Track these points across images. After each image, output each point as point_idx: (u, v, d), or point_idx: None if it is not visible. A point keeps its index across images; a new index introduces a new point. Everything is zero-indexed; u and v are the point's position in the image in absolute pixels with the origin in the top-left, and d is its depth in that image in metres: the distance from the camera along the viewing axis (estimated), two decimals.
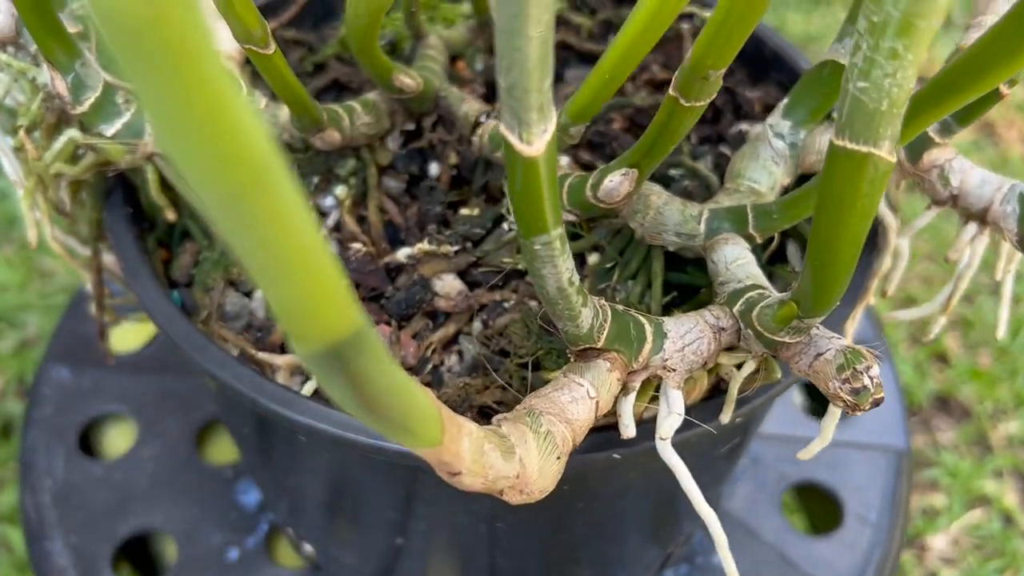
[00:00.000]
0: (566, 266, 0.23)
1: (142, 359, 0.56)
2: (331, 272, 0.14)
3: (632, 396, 0.27)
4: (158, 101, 0.11)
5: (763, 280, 0.28)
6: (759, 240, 0.30)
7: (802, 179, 0.35)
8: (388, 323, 0.33)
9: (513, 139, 0.20)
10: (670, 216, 0.31)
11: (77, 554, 0.47)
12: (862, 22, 0.20)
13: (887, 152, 0.21)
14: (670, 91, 0.25)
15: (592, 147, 0.38)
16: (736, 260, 0.29)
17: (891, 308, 0.83)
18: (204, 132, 0.11)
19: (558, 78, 0.42)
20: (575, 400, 0.25)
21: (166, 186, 0.34)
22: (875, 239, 0.34)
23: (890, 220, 0.33)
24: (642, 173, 0.29)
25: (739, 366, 0.30)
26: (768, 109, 0.42)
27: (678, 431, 0.27)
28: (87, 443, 0.53)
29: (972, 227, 0.32)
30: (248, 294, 0.34)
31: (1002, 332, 0.37)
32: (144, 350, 0.56)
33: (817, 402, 0.59)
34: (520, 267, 0.33)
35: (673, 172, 0.35)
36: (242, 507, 0.50)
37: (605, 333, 0.25)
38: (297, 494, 0.42)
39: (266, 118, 0.34)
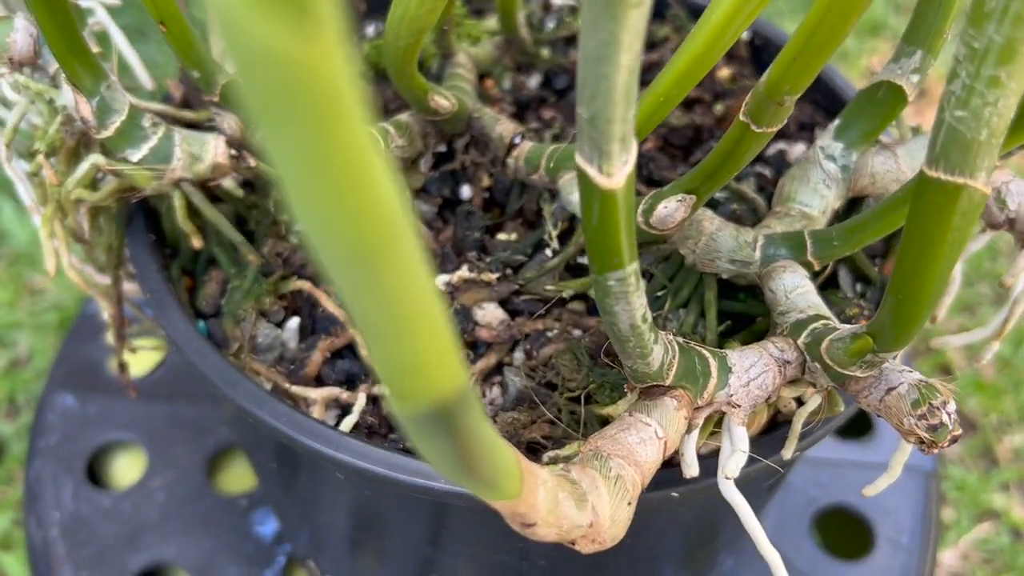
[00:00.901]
0: (640, 302, 0.22)
1: (151, 384, 0.54)
2: (445, 332, 0.13)
3: (695, 434, 0.26)
4: (293, 152, 0.10)
5: (825, 310, 0.27)
6: (816, 267, 0.29)
7: (853, 203, 0.34)
8: None
9: (592, 171, 0.19)
10: (724, 242, 0.30)
11: None
12: (961, 49, 0.19)
13: (983, 184, 0.20)
14: (740, 116, 0.24)
15: (640, 168, 0.37)
16: (796, 289, 0.28)
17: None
18: (341, 189, 0.10)
19: None
20: (643, 441, 0.24)
21: (193, 212, 0.33)
22: None
23: None
24: (700, 199, 0.28)
25: (800, 400, 0.28)
26: (804, 128, 0.41)
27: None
28: (95, 473, 0.51)
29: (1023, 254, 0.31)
30: (280, 324, 0.33)
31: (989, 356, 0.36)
32: (152, 374, 0.55)
33: (846, 425, 0.58)
34: (564, 295, 0.32)
35: (719, 195, 0.34)
36: (259, 538, 0.48)
37: (674, 370, 0.24)
38: (321, 526, 0.40)
39: None
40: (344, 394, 0.31)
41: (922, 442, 0.24)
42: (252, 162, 0.32)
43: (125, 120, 0.30)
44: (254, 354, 0.32)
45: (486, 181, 0.36)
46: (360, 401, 0.31)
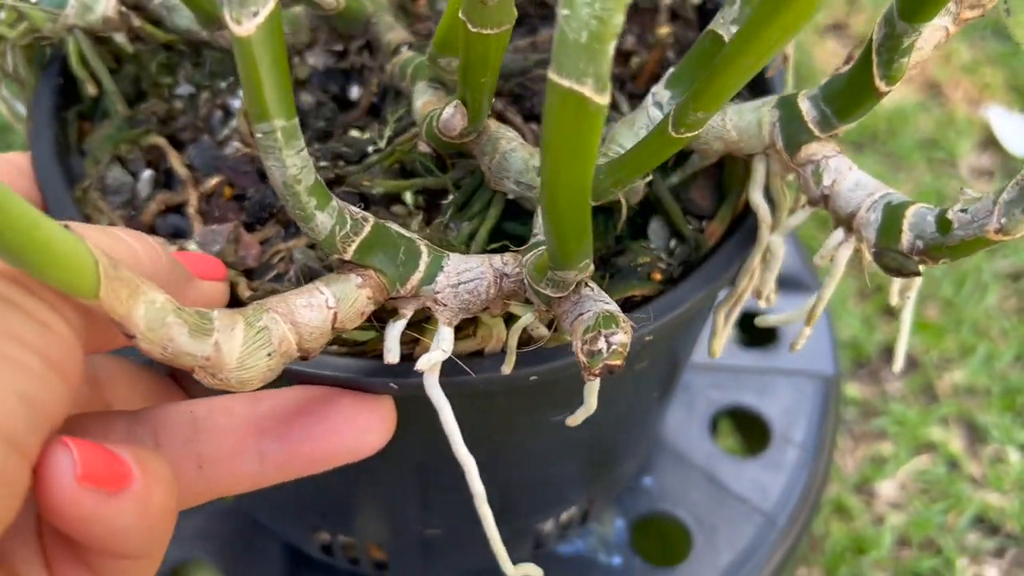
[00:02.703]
0: (293, 162, 0.23)
1: None
2: None
3: (402, 323, 0.27)
4: None
5: None
6: (591, 201, 0.29)
7: (682, 155, 0.33)
8: (245, 225, 0.33)
9: (225, 16, 0.21)
10: (514, 163, 0.30)
11: None
12: None
13: (592, 92, 0.20)
14: (459, 14, 0.25)
15: (514, 98, 0.37)
16: None
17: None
18: None
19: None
20: (310, 306, 0.25)
21: (86, 62, 0.36)
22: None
23: (764, 213, 0.31)
24: (470, 108, 0.28)
25: (551, 325, 0.29)
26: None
27: None
28: None
29: (840, 233, 0.30)
30: (135, 174, 0.35)
31: (899, 367, 0.35)
32: None
33: (748, 334, 0.61)
34: (378, 192, 0.33)
35: None
36: None
37: (354, 246, 0.25)
38: None
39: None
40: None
41: (582, 366, 0.24)
42: (138, 23, 0.35)
43: None
44: (103, 194, 0.35)
45: (376, 86, 0.38)
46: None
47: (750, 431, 0.56)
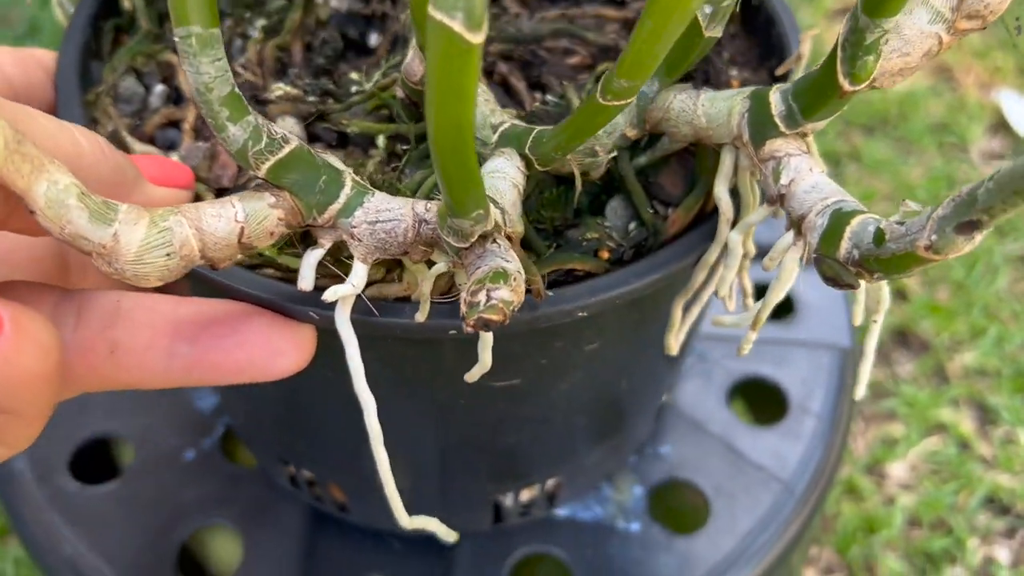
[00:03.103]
0: (206, 70, 0.24)
1: None
2: None
3: (319, 252, 0.27)
4: None
5: (496, 194, 0.27)
6: (537, 166, 0.29)
7: (653, 139, 0.32)
8: None
9: None
10: (475, 118, 0.30)
11: (34, 457, 0.50)
12: None
13: (462, 27, 0.19)
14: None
15: (522, 64, 0.37)
16: (491, 172, 0.28)
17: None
18: None
19: None
20: (218, 216, 0.25)
21: None
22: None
23: (725, 207, 0.30)
24: None
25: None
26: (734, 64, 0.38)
27: None
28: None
29: (790, 236, 0.28)
30: (148, 87, 0.37)
31: (860, 393, 0.33)
32: None
33: None
34: (351, 131, 0.33)
35: (550, 98, 0.34)
36: (199, 411, 0.53)
37: (267, 165, 0.26)
38: (256, 401, 0.43)
39: None
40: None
41: (462, 317, 0.24)
42: None
43: None
44: (114, 101, 0.37)
45: (392, 35, 0.38)
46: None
47: (767, 402, 0.56)
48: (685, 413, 0.54)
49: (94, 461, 0.52)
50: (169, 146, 0.36)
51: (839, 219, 0.26)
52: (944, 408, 0.83)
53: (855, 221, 0.26)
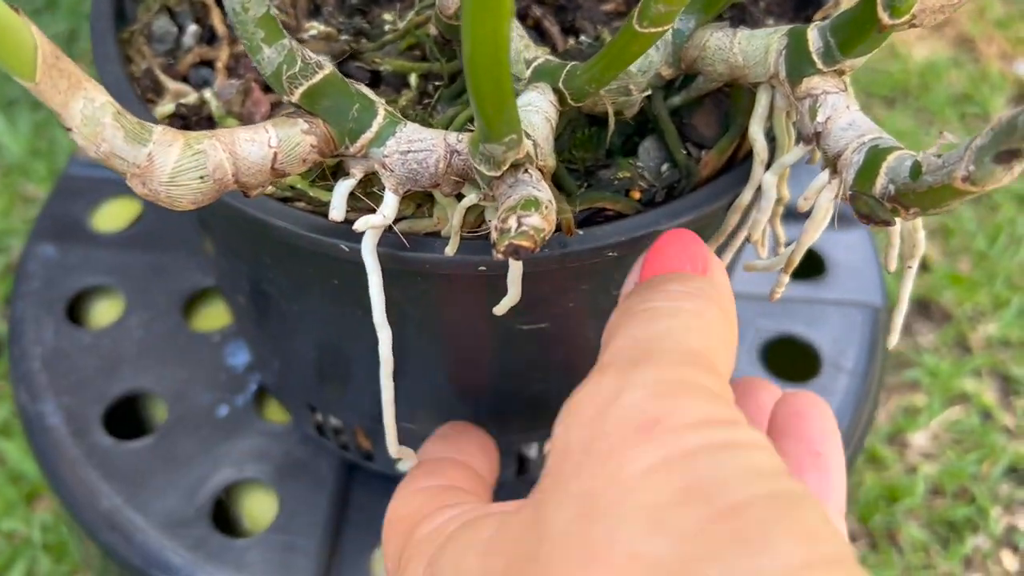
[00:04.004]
0: None
1: (129, 236, 0.58)
2: None
3: (351, 182, 0.27)
4: None
5: (528, 127, 0.27)
6: (571, 100, 0.29)
7: (688, 79, 0.32)
8: (264, 86, 0.34)
9: None
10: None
11: (69, 414, 0.50)
12: None
13: None
14: None
15: (556, 9, 0.37)
16: (524, 105, 0.28)
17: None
18: None
19: None
20: (252, 141, 0.26)
21: None
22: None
23: (760, 148, 0.30)
24: None
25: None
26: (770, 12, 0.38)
27: None
28: (76, 316, 0.55)
29: (825, 175, 0.28)
30: (181, 26, 0.37)
31: (894, 341, 0.32)
32: (130, 229, 0.58)
33: (799, 266, 0.61)
34: (384, 70, 0.33)
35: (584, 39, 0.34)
36: (231, 368, 0.53)
37: (301, 89, 0.26)
38: (289, 357, 0.43)
39: None
40: (192, 96, 0.35)
41: (493, 245, 0.24)
42: None
43: None
44: (148, 40, 0.37)
45: None
46: (198, 96, 0.35)
47: (800, 361, 0.56)
48: None
49: (126, 418, 0.53)
50: (203, 84, 0.36)
51: (876, 155, 0.26)
52: (966, 378, 0.83)
53: (892, 157, 0.25)
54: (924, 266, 0.90)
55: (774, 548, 0.17)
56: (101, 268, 0.57)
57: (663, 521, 0.17)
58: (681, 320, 0.23)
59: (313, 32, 0.35)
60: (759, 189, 0.31)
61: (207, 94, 0.34)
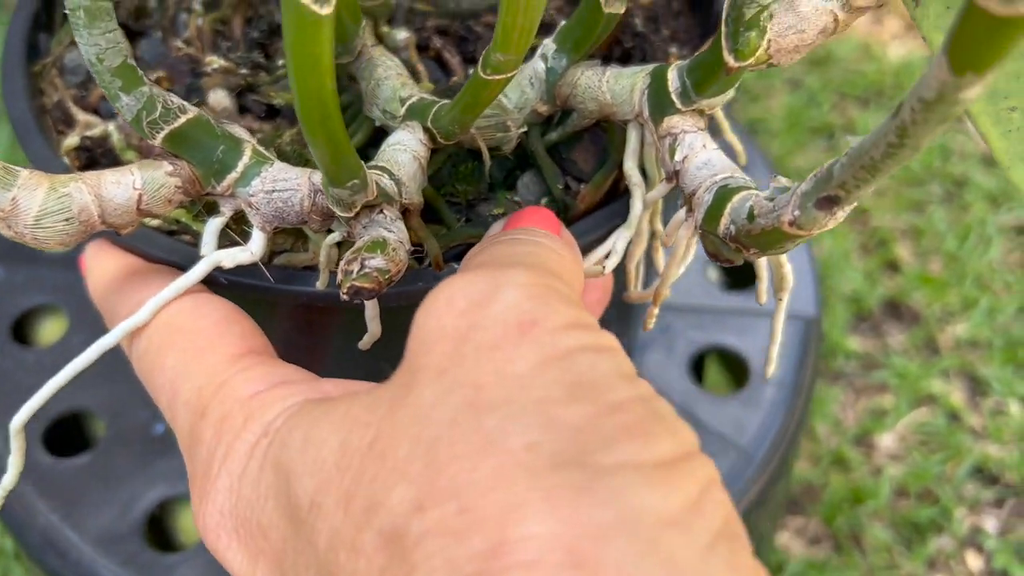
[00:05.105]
0: (96, 42, 0.25)
1: (75, 256, 0.58)
2: None
3: (220, 220, 0.28)
4: None
5: (394, 166, 0.28)
6: (440, 139, 0.29)
7: (565, 114, 0.33)
8: None
9: None
10: (384, 91, 0.31)
11: (8, 432, 0.51)
12: None
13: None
14: None
15: (458, 40, 0.38)
16: (393, 144, 0.29)
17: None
18: None
19: None
20: (118, 183, 0.26)
21: None
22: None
23: (637, 182, 0.30)
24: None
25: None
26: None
27: None
28: (23, 335, 0.56)
29: (683, 212, 0.29)
30: None
31: (771, 372, 0.33)
32: (77, 249, 0.58)
33: (731, 277, 0.61)
34: (277, 103, 0.34)
35: None
36: None
37: (163, 134, 0.26)
38: None
39: None
40: (98, 128, 0.36)
41: (338, 284, 0.25)
42: None
43: None
44: (60, 73, 0.38)
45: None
46: (103, 129, 0.35)
47: (732, 372, 0.57)
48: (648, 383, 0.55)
49: (73, 435, 0.54)
50: (111, 115, 0.37)
51: (723, 195, 0.26)
52: (935, 379, 0.84)
53: (737, 197, 0.26)
54: (894, 267, 0.90)
55: (653, 443, 0.19)
56: (47, 287, 0.58)
57: (555, 415, 0.18)
58: (539, 248, 0.25)
59: (215, 66, 0.36)
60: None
61: (111, 127, 0.35)
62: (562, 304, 0.21)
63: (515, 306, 0.20)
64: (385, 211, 0.26)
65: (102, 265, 0.31)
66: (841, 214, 0.23)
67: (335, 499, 0.19)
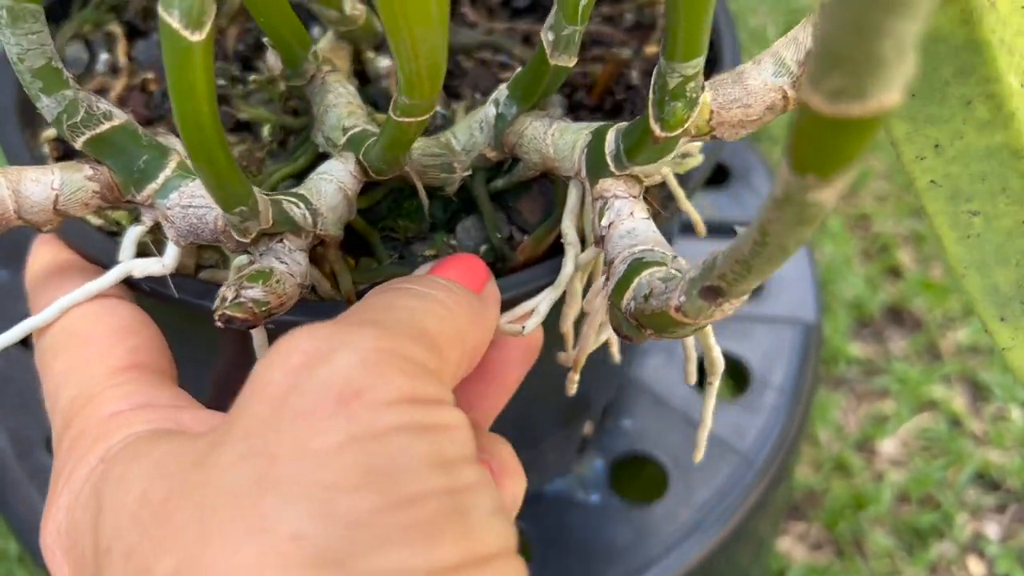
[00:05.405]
0: (18, 42, 0.25)
1: None
2: None
3: (140, 229, 0.28)
4: None
5: (314, 195, 0.27)
6: (372, 174, 0.29)
7: (515, 162, 0.32)
8: (144, 119, 0.36)
9: None
10: (330, 118, 0.30)
11: (13, 436, 0.52)
12: None
13: (179, 25, 0.20)
14: None
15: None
16: (321, 173, 0.28)
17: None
18: None
19: None
20: (37, 181, 0.27)
21: None
22: None
23: (572, 241, 0.29)
24: (281, 50, 0.29)
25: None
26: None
27: None
28: (27, 338, 0.57)
29: (602, 280, 0.27)
30: (94, 54, 0.39)
31: (699, 457, 0.31)
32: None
33: None
34: (242, 117, 0.34)
35: None
36: None
37: (83, 138, 0.26)
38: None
39: None
40: None
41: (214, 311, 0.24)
42: None
43: None
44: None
45: None
46: None
47: (732, 377, 0.56)
48: (647, 388, 0.55)
49: None
50: None
51: (635, 268, 0.25)
52: (936, 385, 0.83)
53: (646, 272, 0.25)
54: (896, 273, 0.90)
55: (434, 546, 0.17)
56: None
57: (336, 505, 0.17)
58: (426, 303, 0.23)
59: None
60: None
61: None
62: (399, 375, 0.19)
63: (343, 373, 0.19)
64: (287, 240, 0.26)
65: (39, 256, 0.31)
66: (729, 308, 0.22)
67: (121, 552, 0.19)
